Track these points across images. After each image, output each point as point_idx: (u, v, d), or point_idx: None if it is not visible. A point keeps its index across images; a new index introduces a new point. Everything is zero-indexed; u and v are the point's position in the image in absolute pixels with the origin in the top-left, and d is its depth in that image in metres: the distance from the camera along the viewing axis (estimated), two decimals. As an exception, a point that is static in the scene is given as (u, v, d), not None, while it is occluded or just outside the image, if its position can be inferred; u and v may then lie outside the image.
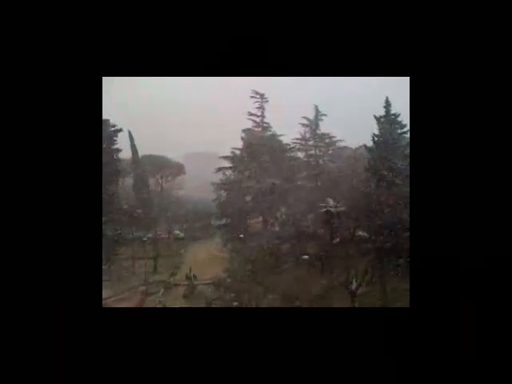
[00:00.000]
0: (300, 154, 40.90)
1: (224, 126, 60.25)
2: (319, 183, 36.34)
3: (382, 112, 24.78)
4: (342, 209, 27.45)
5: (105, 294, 29.21)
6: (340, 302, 25.76)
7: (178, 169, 51.68)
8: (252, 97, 39.40)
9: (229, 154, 40.71)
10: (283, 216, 35.89)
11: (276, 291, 22.70)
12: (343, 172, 34.31)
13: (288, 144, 40.19)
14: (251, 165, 37.99)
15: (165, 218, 40.26)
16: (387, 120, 24.67)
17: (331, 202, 28.47)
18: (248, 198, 37.60)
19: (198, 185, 50.56)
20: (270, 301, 21.55)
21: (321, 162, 39.65)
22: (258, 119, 40.06)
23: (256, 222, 38.92)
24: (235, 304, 21.53)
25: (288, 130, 40.82)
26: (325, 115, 39.80)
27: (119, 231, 36.39)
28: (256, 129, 40.36)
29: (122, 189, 39.53)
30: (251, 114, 39.98)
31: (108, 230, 35.08)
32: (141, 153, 48.44)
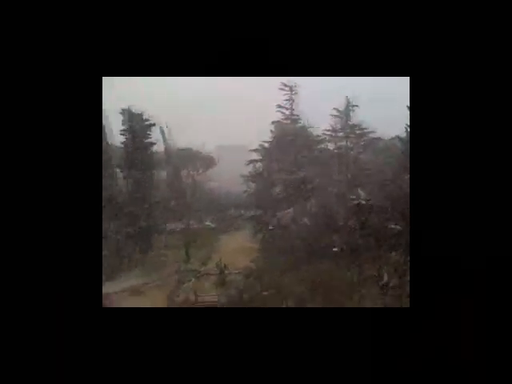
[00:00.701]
0: (330, 146, 40.50)
1: (253, 119, 60.53)
2: (350, 175, 35.86)
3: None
4: (373, 201, 27.06)
5: (140, 281, 30.69)
6: (371, 293, 25.58)
7: (209, 161, 52.73)
8: (281, 89, 39.29)
9: (258, 147, 41.00)
10: (313, 208, 35.79)
11: (306, 282, 22.83)
12: (375, 164, 33.69)
13: (318, 135, 39.86)
14: (280, 157, 38.05)
15: (196, 209, 41.22)
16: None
17: (362, 194, 28.11)
18: (277, 190, 37.74)
19: (229, 177, 51.29)
20: (300, 291, 21.72)
21: (352, 153, 39.04)
22: (287, 111, 39.94)
23: (286, 214, 39.09)
24: (265, 294, 21.86)
25: (318, 121, 40.50)
26: (356, 106, 39.09)
27: (153, 222, 37.81)
28: (285, 121, 40.28)
29: (155, 181, 40.87)
30: (280, 107, 39.89)
31: (142, 221, 36.57)
32: (173, 146, 49.72)
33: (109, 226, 34.15)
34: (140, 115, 37.22)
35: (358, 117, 38.95)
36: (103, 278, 29.95)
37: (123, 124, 37.04)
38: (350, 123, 39.10)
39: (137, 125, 37.10)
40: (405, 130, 29.16)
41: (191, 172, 50.59)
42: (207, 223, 46.52)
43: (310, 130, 39.69)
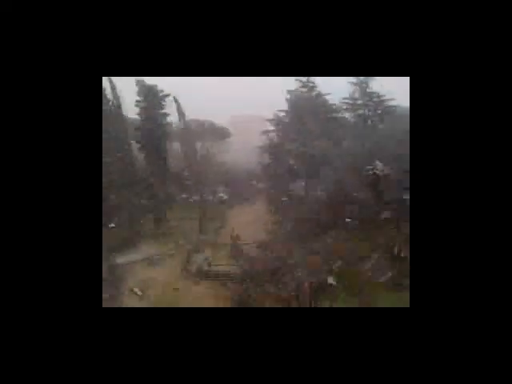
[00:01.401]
0: (347, 115, 39.20)
1: (268, 87, 58.96)
2: (366, 145, 34.80)
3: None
4: (390, 171, 26.31)
5: (154, 251, 31.37)
6: (383, 264, 25.38)
7: (223, 132, 52.21)
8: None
9: (273, 116, 40.13)
10: (327, 179, 35.20)
11: (319, 253, 22.76)
12: (392, 133, 32.50)
13: (334, 104, 38.56)
14: (296, 127, 37.17)
15: (210, 180, 41.28)
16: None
17: (379, 164, 27.33)
18: (292, 161, 37.17)
19: (243, 148, 50.84)
20: (313, 261, 21.64)
21: (369, 122, 37.74)
22: (303, 79, 38.59)
23: (300, 186, 38.70)
24: (277, 264, 21.93)
25: (335, 89, 39.01)
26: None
27: (168, 193, 38.21)
28: (301, 89, 39.00)
29: (170, 153, 40.96)
30: (296, 74, 38.56)
31: (157, 193, 37.01)
32: (187, 117, 49.33)
33: (124, 198, 34.71)
34: (154, 86, 36.92)
35: (376, 85, 37.36)
36: (119, 248, 30.77)
37: (138, 95, 36.89)
38: (369, 91, 37.56)
39: (151, 96, 36.87)
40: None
41: (205, 143, 50.35)
42: (220, 195, 46.75)
43: (327, 98, 38.39)
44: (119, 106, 37.89)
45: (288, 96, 39.26)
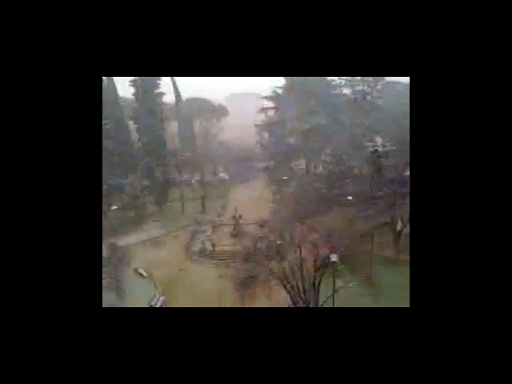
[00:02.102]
0: (346, 91, 38.65)
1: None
2: (366, 121, 34.52)
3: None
4: (391, 148, 26.21)
5: (158, 232, 31.70)
6: (385, 241, 25.75)
7: (221, 111, 51.61)
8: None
9: (271, 93, 39.55)
10: (328, 157, 35.13)
11: (320, 231, 23.00)
12: (392, 109, 32.19)
13: (334, 80, 37.96)
14: (294, 104, 36.71)
15: (210, 160, 41.15)
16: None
17: (379, 140, 27.18)
18: (291, 140, 36.97)
19: (242, 126, 50.38)
20: (313, 239, 21.92)
21: (369, 98, 37.28)
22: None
23: (300, 164, 38.65)
24: (279, 243, 22.17)
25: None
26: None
27: (168, 175, 38.15)
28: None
29: (168, 133, 40.58)
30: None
31: (159, 174, 36.98)
32: (184, 96, 48.57)
33: (125, 180, 34.70)
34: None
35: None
36: (123, 230, 30.90)
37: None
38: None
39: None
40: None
41: (203, 123, 49.84)
42: (221, 175, 46.71)
43: (325, 74, 37.75)
44: (114, 87, 37.30)
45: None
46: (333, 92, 37.82)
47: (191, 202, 38.19)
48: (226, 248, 27.14)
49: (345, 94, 38.41)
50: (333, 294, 17.09)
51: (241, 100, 57.40)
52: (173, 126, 45.99)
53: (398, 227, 26.31)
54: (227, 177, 46.58)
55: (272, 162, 37.95)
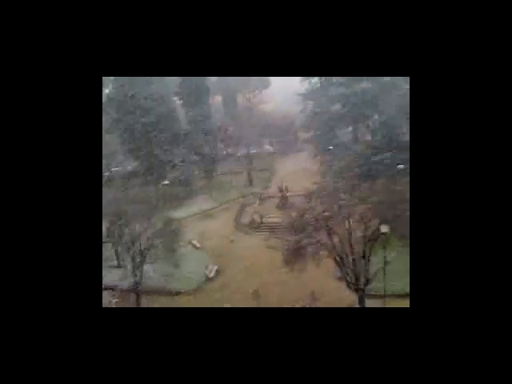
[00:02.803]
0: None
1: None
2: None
3: None
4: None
5: (208, 205, 32.92)
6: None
7: (263, 82, 50.96)
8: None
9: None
10: (375, 124, 33.84)
11: (368, 201, 22.69)
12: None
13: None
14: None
15: (255, 133, 41.28)
16: None
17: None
18: (336, 107, 35.86)
19: (285, 97, 49.54)
20: (361, 210, 21.72)
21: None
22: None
23: (346, 132, 37.62)
24: (326, 214, 22.15)
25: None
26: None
27: (215, 149, 38.96)
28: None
29: (213, 107, 40.97)
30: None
31: (206, 149, 37.87)
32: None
33: (173, 155, 35.97)
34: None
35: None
36: (174, 204, 32.15)
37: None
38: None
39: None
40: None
41: (246, 95, 49.65)
42: (266, 147, 46.74)
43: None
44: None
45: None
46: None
47: (238, 175, 38.92)
48: (274, 220, 27.70)
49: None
50: (384, 266, 17.10)
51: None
52: (216, 100, 46.29)
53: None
54: (272, 149, 46.55)
55: (317, 132, 37.27)
